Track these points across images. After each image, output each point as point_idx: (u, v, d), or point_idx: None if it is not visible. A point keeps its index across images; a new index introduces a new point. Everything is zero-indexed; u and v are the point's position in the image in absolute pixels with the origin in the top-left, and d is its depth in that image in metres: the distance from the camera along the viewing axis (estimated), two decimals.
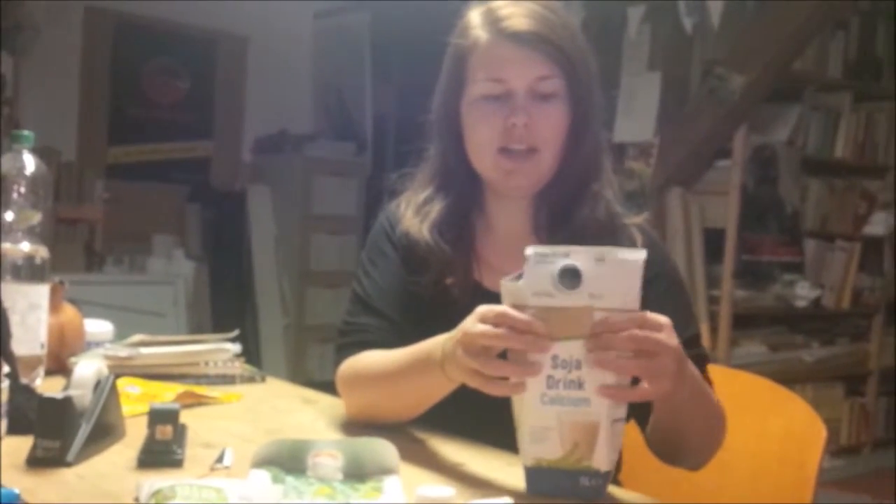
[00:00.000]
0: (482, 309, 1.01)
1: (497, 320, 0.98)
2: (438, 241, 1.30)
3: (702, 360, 1.26)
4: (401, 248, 1.35)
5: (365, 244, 1.42)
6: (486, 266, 1.33)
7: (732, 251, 3.71)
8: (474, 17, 1.29)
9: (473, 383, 1.02)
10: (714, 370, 1.30)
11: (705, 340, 3.65)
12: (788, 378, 3.42)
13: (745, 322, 3.84)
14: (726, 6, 3.58)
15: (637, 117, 3.84)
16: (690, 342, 1.24)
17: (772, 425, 1.43)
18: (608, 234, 1.29)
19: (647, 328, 0.97)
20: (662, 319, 1.00)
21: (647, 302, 1.21)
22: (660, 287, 1.27)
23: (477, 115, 1.27)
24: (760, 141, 3.86)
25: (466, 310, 1.26)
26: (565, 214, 1.30)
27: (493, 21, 1.26)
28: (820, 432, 1.33)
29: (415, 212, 1.34)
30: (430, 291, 1.30)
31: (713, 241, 3.73)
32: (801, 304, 4.03)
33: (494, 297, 1.29)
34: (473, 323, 1.01)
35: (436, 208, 1.33)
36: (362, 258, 1.39)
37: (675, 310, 1.26)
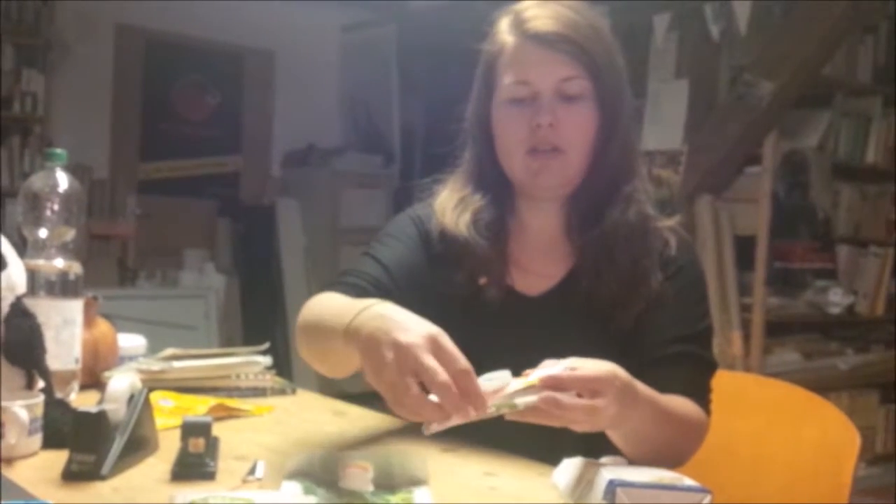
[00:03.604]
0: (443, 342, 0.94)
1: (449, 368, 0.92)
2: (476, 238, 1.31)
3: (696, 361, 1.27)
4: (435, 243, 1.34)
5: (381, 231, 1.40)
6: (517, 268, 1.33)
7: (764, 258, 3.68)
8: (503, 22, 1.31)
9: (375, 384, 0.96)
10: (747, 378, 1.29)
11: (737, 348, 3.62)
12: (823, 386, 3.38)
13: (778, 330, 3.80)
14: (753, 12, 3.56)
15: (665, 125, 3.82)
16: (690, 339, 1.27)
17: (806, 433, 1.42)
18: (639, 236, 1.29)
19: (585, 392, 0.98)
20: (597, 376, 0.99)
21: (664, 294, 1.26)
22: (679, 283, 1.29)
23: (505, 118, 1.29)
24: (790, 147, 3.83)
25: (498, 311, 1.28)
26: (596, 216, 1.30)
27: (518, 24, 1.28)
28: (854, 440, 1.32)
29: (451, 210, 1.35)
30: (462, 291, 1.30)
31: (744, 249, 3.70)
32: (834, 310, 3.98)
33: (525, 300, 1.31)
34: (424, 350, 0.93)
35: (472, 208, 1.34)
36: (380, 233, 1.38)
37: (686, 307, 1.29)
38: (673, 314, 1.28)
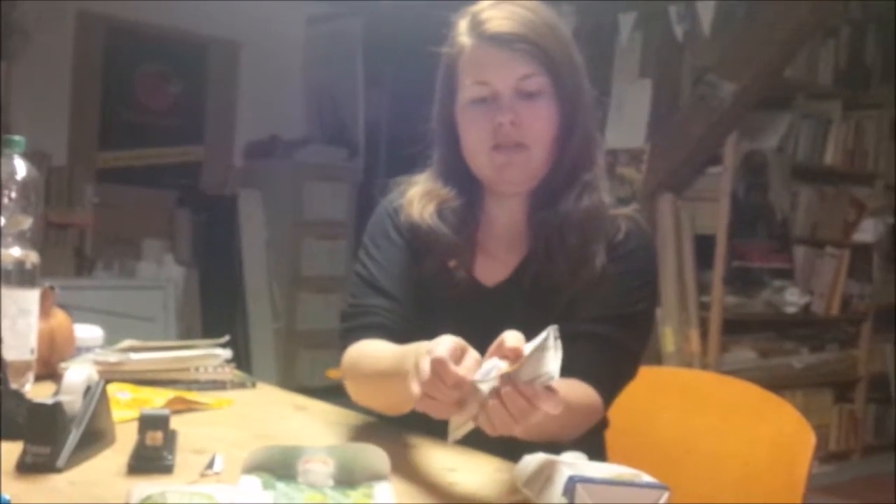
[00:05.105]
0: (435, 351, 0.97)
1: (448, 381, 0.96)
2: (440, 225, 1.34)
3: (607, 344, 1.26)
4: (405, 233, 1.38)
5: (364, 235, 1.43)
6: (483, 256, 1.36)
7: (723, 257, 3.72)
8: (460, 24, 1.33)
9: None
10: (704, 376, 1.30)
11: (694, 346, 3.66)
12: (778, 384, 3.44)
13: (734, 328, 3.85)
14: (717, 14, 3.59)
15: (628, 124, 3.85)
16: (611, 321, 1.27)
17: (761, 431, 1.44)
18: (594, 222, 1.31)
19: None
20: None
21: (607, 271, 1.29)
22: (621, 266, 1.31)
23: (468, 119, 1.31)
24: (751, 148, 3.87)
25: (464, 301, 1.31)
26: (555, 204, 1.33)
27: (475, 25, 1.31)
28: (809, 438, 1.34)
29: (417, 201, 1.38)
30: (433, 279, 1.33)
31: (704, 248, 3.74)
32: (790, 310, 4.04)
33: (482, 290, 1.34)
34: (426, 363, 0.98)
35: (437, 199, 1.37)
36: (365, 242, 1.42)
37: (619, 289, 1.31)
38: (604, 295, 1.29)
